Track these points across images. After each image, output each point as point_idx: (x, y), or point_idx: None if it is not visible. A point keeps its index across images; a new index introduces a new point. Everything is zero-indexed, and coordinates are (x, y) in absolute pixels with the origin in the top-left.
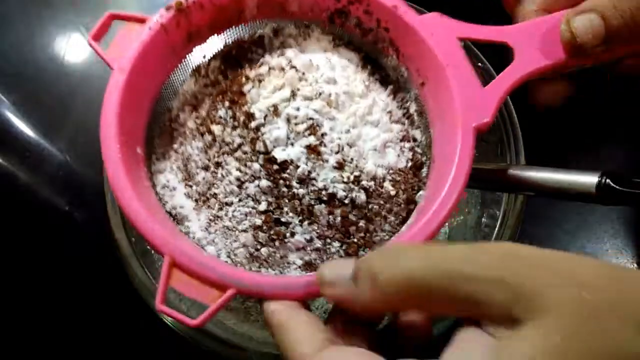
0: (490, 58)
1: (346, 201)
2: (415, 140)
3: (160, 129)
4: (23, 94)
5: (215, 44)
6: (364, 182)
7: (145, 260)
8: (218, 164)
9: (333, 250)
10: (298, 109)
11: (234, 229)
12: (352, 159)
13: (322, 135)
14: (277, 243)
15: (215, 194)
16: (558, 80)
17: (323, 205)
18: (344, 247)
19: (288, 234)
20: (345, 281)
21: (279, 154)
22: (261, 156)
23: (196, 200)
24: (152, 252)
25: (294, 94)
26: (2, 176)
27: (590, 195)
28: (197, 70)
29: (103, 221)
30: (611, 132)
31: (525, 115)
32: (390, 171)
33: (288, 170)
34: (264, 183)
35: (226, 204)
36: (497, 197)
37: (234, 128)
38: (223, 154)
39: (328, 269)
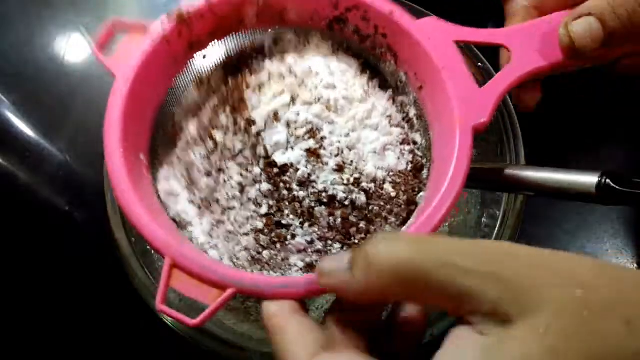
0: (490, 58)
1: (346, 203)
2: (415, 143)
3: (163, 136)
4: (23, 94)
5: (216, 52)
6: (364, 184)
7: (145, 260)
8: (220, 170)
9: (334, 251)
10: (298, 114)
11: (236, 233)
12: (351, 162)
13: (322, 138)
14: (278, 245)
15: (217, 199)
16: (530, 87)
17: (323, 207)
18: (344, 249)
19: (289, 236)
20: (342, 270)
21: (279, 158)
22: (262, 160)
23: (199, 206)
24: (152, 252)
25: (293, 100)
26: (2, 176)
27: (590, 195)
28: (199, 79)
29: (103, 221)
30: (611, 132)
31: (525, 115)
32: (391, 173)
33: (288, 174)
34: (265, 187)
35: (228, 208)
36: (497, 197)
37: (235, 134)
38: (225, 159)
39: (327, 260)
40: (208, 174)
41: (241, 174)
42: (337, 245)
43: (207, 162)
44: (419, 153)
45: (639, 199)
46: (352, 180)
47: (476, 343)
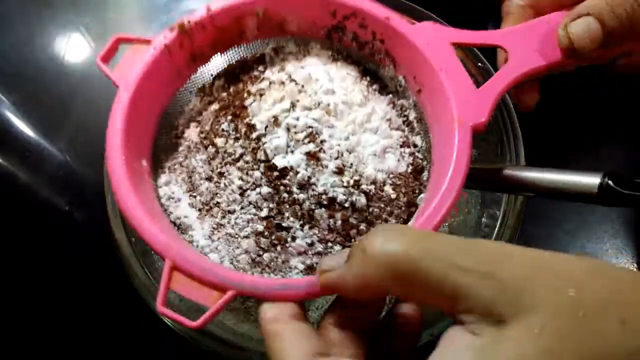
0: (490, 58)
1: (346, 205)
2: (415, 145)
3: (165, 143)
4: (23, 94)
5: (219, 63)
6: (363, 186)
7: (145, 260)
8: (221, 174)
9: (334, 253)
10: (297, 119)
11: (236, 236)
12: (351, 164)
13: (322, 142)
14: (278, 248)
15: (218, 203)
16: (528, 87)
17: (323, 209)
18: None
19: (289, 239)
20: (340, 265)
21: (279, 161)
22: (262, 164)
23: (200, 210)
24: (152, 252)
25: (293, 105)
26: (2, 176)
27: (591, 196)
28: (201, 90)
29: (103, 221)
30: (611, 132)
31: (525, 115)
32: (391, 175)
33: (288, 177)
34: (265, 190)
35: (229, 212)
36: (497, 197)
37: (236, 139)
38: (225, 164)
39: (327, 258)
40: (209, 179)
41: (242, 178)
42: (338, 247)
43: (208, 166)
44: (419, 155)
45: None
46: (352, 182)
47: (470, 343)
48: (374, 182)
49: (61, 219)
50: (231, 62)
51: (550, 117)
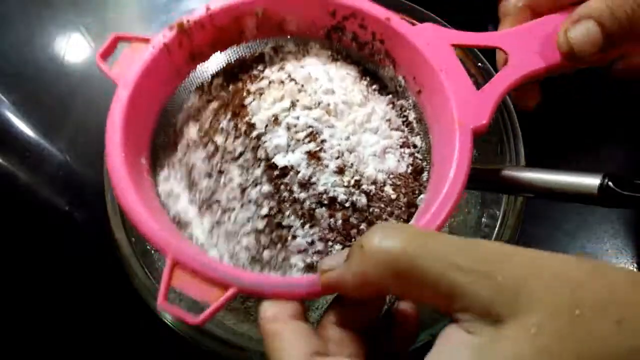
0: (490, 58)
1: (347, 205)
2: (415, 146)
3: (164, 141)
4: (23, 94)
5: (218, 62)
6: (364, 186)
7: (145, 260)
8: (221, 172)
9: (334, 252)
10: (298, 118)
11: (236, 233)
12: (352, 164)
13: (322, 142)
14: (278, 246)
15: (218, 200)
16: (528, 88)
17: (324, 208)
18: None
19: (289, 237)
20: (340, 265)
21: (280, 160)
22: (262, 163)
23: (199, 207)
24: (152, 252)
25: (293, 105)
26: (2, 176)
27: (591, 197)
28: (200, 88)
29: (103, 221)
30: (611, 132)
31: (525, 115)
32: (391, 175)
33: (289, 176)
34: (266, 188)
35: (229, 209)
36: (497, 197)
37: (236, 138)
38: (225, 162)
39: (328, 258)
40: (209, 176)
41: (242, 176)
42: (338, 247)
43: (207, 164)
44: (419, 156)
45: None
46: (352, 182)
47: (467, 342)
48: (374, 182)
49: (61, 219)
50: (230, 61)
51: (550, 117)
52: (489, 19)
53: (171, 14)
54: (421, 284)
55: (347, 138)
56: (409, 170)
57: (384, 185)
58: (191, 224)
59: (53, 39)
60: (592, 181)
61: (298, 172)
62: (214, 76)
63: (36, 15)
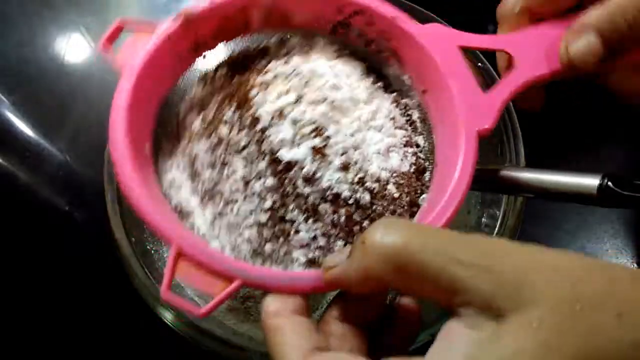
0: (490, 58)
1: (350, 201)
2: (418, 146)
3: (167, 131)
4: (23, 94)
5: (222, 53)
6: (368, 184)
7: (145, 261)
8: (224, 163)
9: (337, 248)
10: (304, 112)
11: (238, 225)
12: (356, 161)
13: (327, 137)
14: (281, 239)
15: (220, 191)
16: (535, 90)
17: (328, 204)
18: (347, 246)
19: (292, 232)
20: (342, 261)
21: (285, 155)
22: (267, 156)
23: (202, 197)
24: (152, 252)
25: (299, 99)
26: (2, 176)
27: (591, 197)
28: (204, 78)
29: (103, 221)
30: (611, 132)
31: (525, 115)
32: (394, 174)
33: (293, 170)
34: (270, 182)
35: (231, 200)
36: (497, 197)
37: (240, 130)
38: (229, 153)
39: (331, 255)
40: (212, 167)
41: (245, 168)
42: (340, 243)
43: (211, 155)
44: (422, 156)
45: (639, 202)
46: (356, 179)
47: (469, 337)
48: (378, 180)
49: (61, 219)
50: (234, 53)
51: (550, 117)
52: (489, 19)
53: (171, 14)
54: (422, 278)
55: (352, 135)
56: (411, 170)
57: (387, 183)
58: (193, 214)
59: (53, 39)
60: (591, 181)
61: (303, 167)
62: (217, 67)
63: (37, 16)
